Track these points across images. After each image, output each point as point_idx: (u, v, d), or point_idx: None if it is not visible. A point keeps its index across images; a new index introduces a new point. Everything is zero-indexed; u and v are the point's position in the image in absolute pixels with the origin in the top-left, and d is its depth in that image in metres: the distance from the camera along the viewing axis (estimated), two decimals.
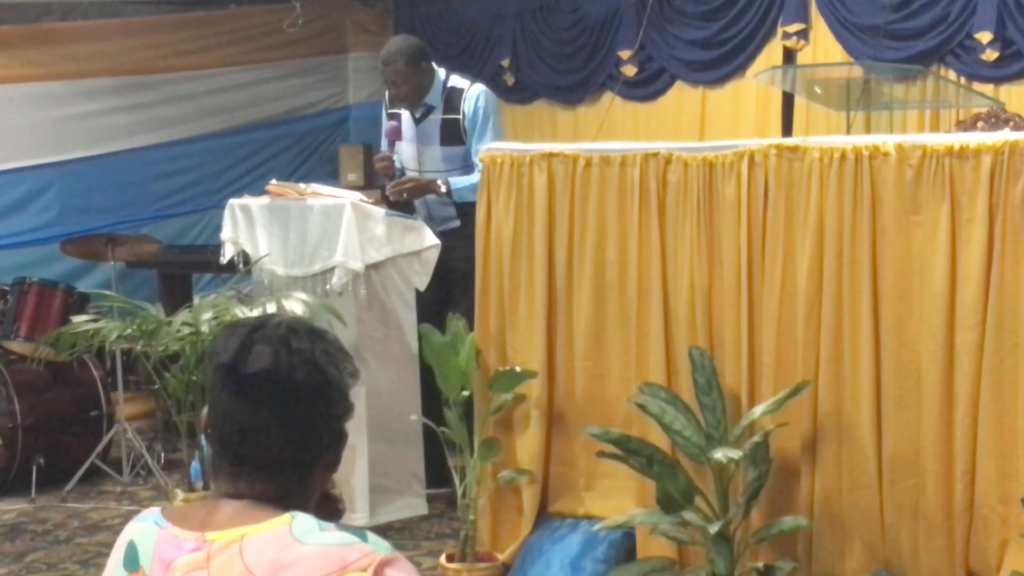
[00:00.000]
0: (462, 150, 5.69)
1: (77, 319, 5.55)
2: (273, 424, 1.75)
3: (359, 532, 1.70)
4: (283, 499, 1.76)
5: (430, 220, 5.74)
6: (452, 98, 5.69)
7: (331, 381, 1.80)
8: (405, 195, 5.68)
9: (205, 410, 1.83)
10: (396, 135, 5.75)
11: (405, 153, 5.88)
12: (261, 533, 1.69)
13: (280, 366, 1.75)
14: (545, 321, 4.49)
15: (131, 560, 1.77)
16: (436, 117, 5.73)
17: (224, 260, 6.01)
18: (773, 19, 7.09)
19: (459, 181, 5.64)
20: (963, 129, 5.37)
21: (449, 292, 5.51)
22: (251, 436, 1.75)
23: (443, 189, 5.64)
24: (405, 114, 5.80)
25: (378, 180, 8.87)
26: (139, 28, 8.35)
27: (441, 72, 5.76)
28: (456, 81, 5.74)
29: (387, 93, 5.89)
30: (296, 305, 5.18)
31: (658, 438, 4.06)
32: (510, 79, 8.24)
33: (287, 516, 1.70)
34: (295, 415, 1.76)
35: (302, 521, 1.70)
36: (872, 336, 3.79)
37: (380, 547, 1.68)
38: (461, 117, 5.66)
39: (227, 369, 1.76)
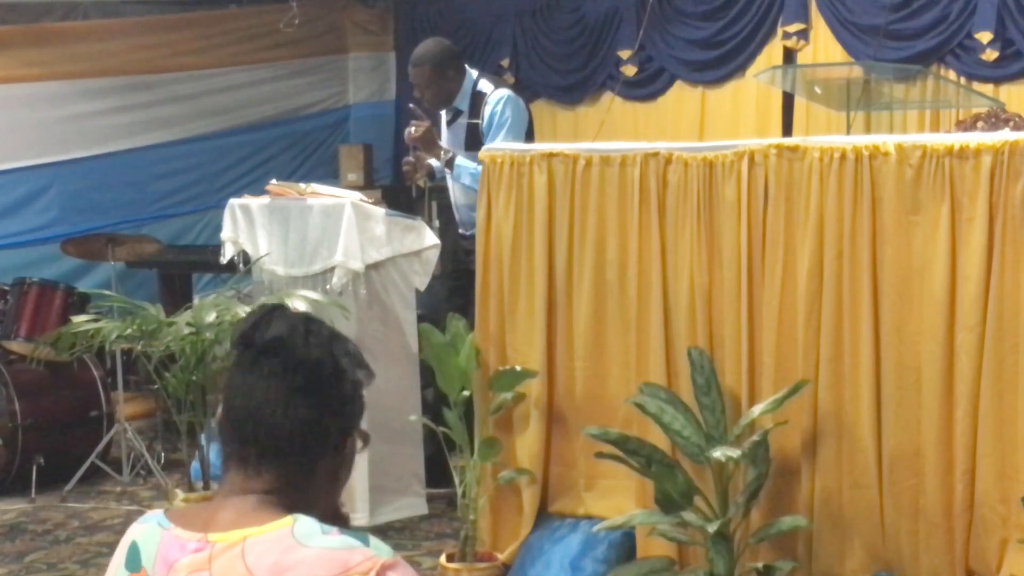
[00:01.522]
0: None
1: (77, 319, 5.55)
2: (281, 399, 1.75)
3: (361, 536, 1.70)
4: (286, 492, 1.75)
5: (460, 224, 5.73)
6: (476, 102, 5.66)
7: (343, 371, 1.80)
8: (413, 131, 5.58)
9: (220, 409, 1.84)
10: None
11: None
12: (263, 535, 1.69)
13: (295, 338, 1.77)
14: (545, 321, 4.49)
15: (133, 561, 1.77)
16: (463, 121, 5.71)
17: (224, 260, 6.01)
18: (773, 19, 7.10)
19: (467, 161, 5.58)
20: (963, 129, 5.37)
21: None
22: (258, 413, 1.75)
23: (445, 157, 5.60)
24: (443, 117, 5.80)
25: (379, 179, 8.91)
26: (139, 28, 8.36)
27: (473, 73, 5.74)
28: (483, 85, 5.70)
29: None
30: (300, 303, 5.18)
31: (658, 438, 4.06)
32: (510, 79, 8.23)
33: (289, 518, 1.70)
34: (303, 394, 1.76)
35: (304, 524, 1.70)
36: (872, 336, 3.79)
37: (382, 551, 1.68)
38: (481, 122, 5.63)
39: (243, 339, 1.78)
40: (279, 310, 1.82)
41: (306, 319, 1.81)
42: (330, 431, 1.80)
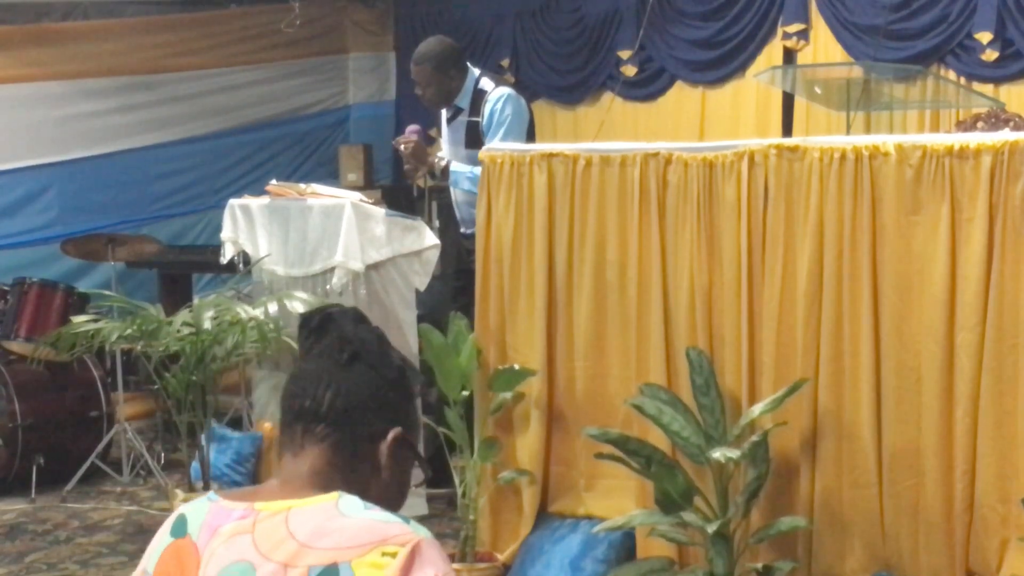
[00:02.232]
0: None
1: (77, 319, 5.55)
2: (326, 374, 1.83)
3: (403, 516, 1.76)
4: (330, 477, 1.80)
5: (460, 222, 5.73)
6: (477, 101, 5.66)
7: (389, 357, 1.87)
8: (403, 147, 5.63)
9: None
10: (417, 137, 5.71)
11: (445, 152, 5.90)
12: (308, 507, 1.75)
13: (345, 320, 1.88)
14: (545, 321, 4.49)
15: (179, 528, 1.83)
16: (463, 119, 5.71)
17: (224, 260, 6.01)
18: (773, 19, 7.10)
19: (461, 167, 5.60)
20: (963, 129, 5.37)
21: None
22: (305, 390, 1.84)
23: (439, 166, 5.62)
24: (443, 115, 5.81)
25: (379, 179, 8.91)
26: (139, 28, 8.36)
27: (475, 72, 5.74)
28: (484, 83, 5.70)
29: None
30: (298, 304, 5.18)
31: (658, 438, 4.06)
32: (510, 79, 8.23)
33: (335, 494, 1.76)
34: (347, 369, 1.84)
35: (348, 499, 1.75)
36: (872, 336, 3.79)
37: (421, 531, 1.73)
38: (481, 120, 5.63)
39: (302, 322, 1.90)
40: (337, 305, 1.94)
41: (360, 314, 1.92)
42: (371, 413, 1.84)
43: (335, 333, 1.86)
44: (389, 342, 1.91)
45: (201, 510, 1.82)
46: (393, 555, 1.66)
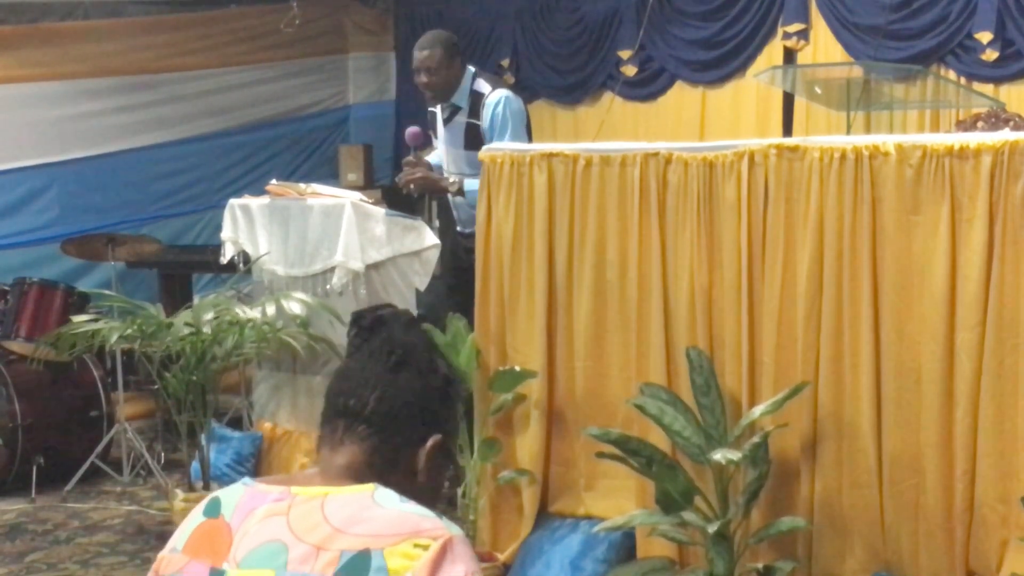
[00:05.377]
0: None
1: (77, 319, 5.55)
2: (373, 376, 1.87)
3: (437, 513, 1.79)
4: (367, 473, 1.83)
5: (459, 222, 5.72)
6: (475, 102, 5.65)
7: (436, 364, 1.91)
8: (412, 187, 5.61)
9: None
10: (416, 140, 5.67)
11: (440, 152, 5.88)
12: (344, 495, 1.78)
13: (396, 322, 1.94)
14: (545, 321, 4.49)
15: (212, 509, 1.85)
16: (462, 119, 5.69)
17: (224, 260, 6.01)
18: (773, 19, 7.10)
19: (475, 183, 5.58)
20: (963, 129, 5.37)
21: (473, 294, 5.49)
22: (351, 389, 1.87)
23: (454, 188, 5.59)
24: (439, 114, 5.78)
25: (379, 179, 8.90)
26: (139, 28, 8.36)
27: (471, 70, 5.74)
28: (480, 85, 5.68)
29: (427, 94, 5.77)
30: (296, 305, 5.18)
31: (658, 438, 4.06)
32: (510, 79, 8.24)
33: (371, 485, 1.79)
34: (395, 372, 1.87)
35: (384, 491, 1.78)
36: (872, 336, 3.79)
37: (454, 528, 1.76)
38: (481, 123, 5.62)
39: (354, 319, 1.97)
40: (390, 306, 1.96)
41: (412, 317, 1.95)
42: (413, 419, 1.88)
43: (385, 336, 1.90)
44: (438, 349, 1.94)
45: (236, 493, 1.85)
46: (425, 547, 1.69)
